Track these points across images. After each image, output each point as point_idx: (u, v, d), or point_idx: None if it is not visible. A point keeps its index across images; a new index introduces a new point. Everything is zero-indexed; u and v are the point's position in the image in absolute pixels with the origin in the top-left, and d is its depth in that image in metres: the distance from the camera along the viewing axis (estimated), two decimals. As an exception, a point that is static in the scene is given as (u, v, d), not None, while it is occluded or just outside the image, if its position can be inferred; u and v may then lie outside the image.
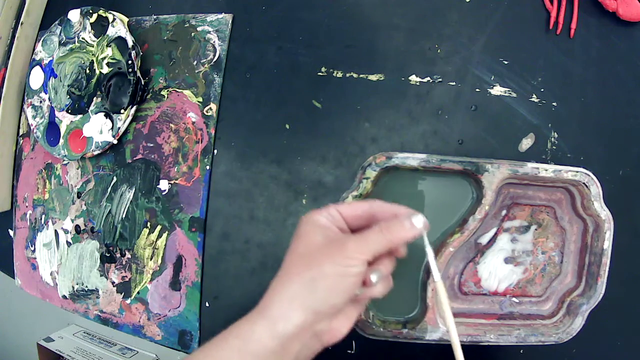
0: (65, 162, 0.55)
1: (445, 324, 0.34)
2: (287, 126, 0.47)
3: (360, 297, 0.33)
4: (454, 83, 0.45)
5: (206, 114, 0.49)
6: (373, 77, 0.46)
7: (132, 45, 0.49)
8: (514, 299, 0.44)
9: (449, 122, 0.45)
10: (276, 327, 0.29)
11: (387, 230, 0.30)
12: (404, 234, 0.31)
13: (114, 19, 0.51)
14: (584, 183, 0.41)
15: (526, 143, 0.44)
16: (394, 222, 0.31)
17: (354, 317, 0.33)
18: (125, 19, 0.52)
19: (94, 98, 0.52)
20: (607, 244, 0.41)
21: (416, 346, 0.43)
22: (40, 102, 0.55)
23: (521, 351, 0.44)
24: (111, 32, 0.51)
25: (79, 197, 0.54)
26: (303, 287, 0.29)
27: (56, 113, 0.54)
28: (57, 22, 0.54)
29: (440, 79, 0.45)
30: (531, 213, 0.44)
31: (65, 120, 0.53)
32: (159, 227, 0.49)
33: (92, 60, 0.52)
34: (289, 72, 0.47)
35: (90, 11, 0.52)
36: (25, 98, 0.56)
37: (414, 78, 0.45)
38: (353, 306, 0.33)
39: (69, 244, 0.54)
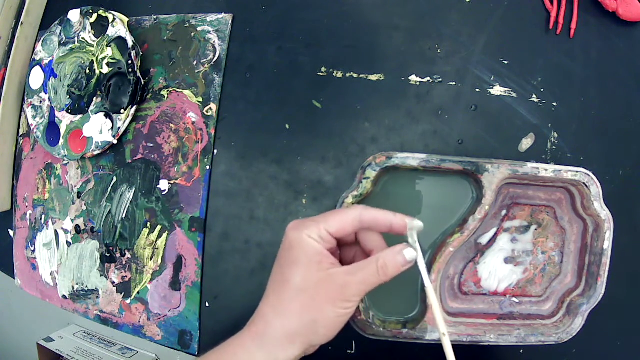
0: (65, 162, 0.55)
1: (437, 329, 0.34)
2: (287, 126, 0.47)
3: None
4: (454, 83, 0.45)
5: (206, 114, 0.49)
6: (373, 77, 0.46)
7: (132, 45, 0.49)
8: (514, 299, 0.44)
9: (449, 122, 0.45)
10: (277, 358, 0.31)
11: (383, 271, 0.32)
12: (399, 269, 0.33)
13: (114, 19, 0.51)
14: (584, 183, 0.41)
15: (526, 143, 0.44)
16: (389, 260, 0.32)
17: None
18: (125, 19, 0.52)
19: (94, 98, 0.52)
20: (607, 244, 0.41)
21: (416, 346, 0.43)
22: (40, 102, 0.55)
23: (521, 351, 0.44)
24: (111, 32, 0.51)
25: (79, 197, 0.54)
26: (304, 327, 0.31)
27: (56, 113, 0.54)
28: (57, 22, 0.54)
29: (440, 79, 0.45)
30: (531, 213, 0.44)
31: (65, 120, 0.53)
32: (159, 227, 0.49)
33: (92, 60, 0.52)
34: (289, 72, 0.47)
35: (90, 11, 0.52)
36: (25, 98, 0.56)
37: (414, 78, 0.45)
38: None
39: (69, 244, 0.54)
